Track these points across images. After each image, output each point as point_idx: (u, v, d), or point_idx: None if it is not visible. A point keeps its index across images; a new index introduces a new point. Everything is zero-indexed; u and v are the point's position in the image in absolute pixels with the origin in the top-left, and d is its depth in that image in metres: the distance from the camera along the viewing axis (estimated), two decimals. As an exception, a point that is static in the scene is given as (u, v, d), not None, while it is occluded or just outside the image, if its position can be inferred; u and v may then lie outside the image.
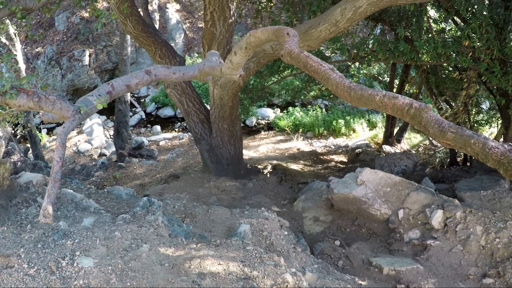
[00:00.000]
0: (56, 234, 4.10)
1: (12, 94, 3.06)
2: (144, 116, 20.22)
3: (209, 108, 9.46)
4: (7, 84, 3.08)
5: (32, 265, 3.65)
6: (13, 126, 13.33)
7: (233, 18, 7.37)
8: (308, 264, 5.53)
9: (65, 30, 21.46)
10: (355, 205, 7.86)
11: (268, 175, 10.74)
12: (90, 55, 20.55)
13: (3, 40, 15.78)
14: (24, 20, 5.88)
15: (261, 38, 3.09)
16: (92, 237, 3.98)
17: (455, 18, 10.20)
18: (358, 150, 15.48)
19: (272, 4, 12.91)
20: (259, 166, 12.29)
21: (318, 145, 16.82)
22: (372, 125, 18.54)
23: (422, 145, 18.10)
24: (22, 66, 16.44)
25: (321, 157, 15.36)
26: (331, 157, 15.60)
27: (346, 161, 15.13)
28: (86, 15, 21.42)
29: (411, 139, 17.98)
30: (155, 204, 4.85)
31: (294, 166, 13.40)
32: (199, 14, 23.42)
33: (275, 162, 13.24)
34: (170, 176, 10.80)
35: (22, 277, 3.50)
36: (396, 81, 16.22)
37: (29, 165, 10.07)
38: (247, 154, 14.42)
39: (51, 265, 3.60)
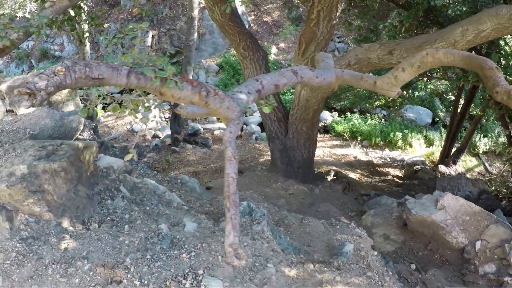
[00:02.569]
0: (163, 241, 3.79)
1: (178, 83, 2.55)
2: (200, 103, 20.08)
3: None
4: (170, 68, 2.52)
5: (145, 282, 3.26)
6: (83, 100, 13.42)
7: (336, 20, 7.15)
8: (398, 289, 5.32)
9: (130, 10, 21.57)
10: (431, 229, 7.63)
11: (333, 183, 10.52)
12: (153, 37, 20.61)
13: (71, 12, 15.91)
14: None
15: (442, 60, 2.85)
16: (209, 250, 3.69)
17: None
18: (416, 167, 15.10)
19: (349, 8, 12.63)
20: (320, 171, 12.09)
21: (374, 156, 16.48)
22: (429, 142, 18.07)
23: (477, 170, 17.59)
24: (87, 41, 16.61)
25: (378, 169, 15.04)
26: (387, 169, 15.26)
27: (402, 176, 14.79)
28: (153, -3, 21.49)
29: (466, 162, 17.46)
30: (257, 212, 4.64)
31: (352, 175, 13.14)
32: (265, 7, 23.21)
33: (334, 168, 13.01)
34: (233, 171, 10.65)
35: (136, 298, 3.02)
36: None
37: (97, 144, 10.04)
38: (303, 156, 14.21)
39: (171, 285, 3.23)
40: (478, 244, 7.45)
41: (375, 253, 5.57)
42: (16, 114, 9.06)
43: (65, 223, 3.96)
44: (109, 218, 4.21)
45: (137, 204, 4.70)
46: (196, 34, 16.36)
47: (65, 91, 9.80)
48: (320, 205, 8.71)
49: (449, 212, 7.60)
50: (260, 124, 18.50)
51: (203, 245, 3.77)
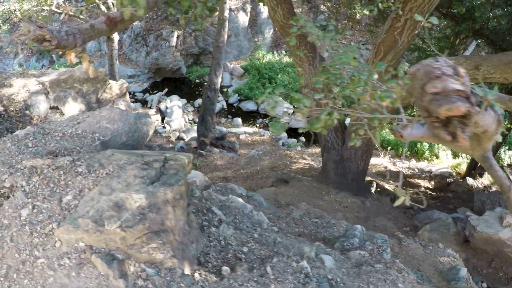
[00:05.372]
0: (321, 285, 3.22)
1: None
2: (225, 106, 20.00)
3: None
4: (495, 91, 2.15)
5: None
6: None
7: (418, 29, 6.94)
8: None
9: (155, 8, 21.34)
10: (496, 247, 7.50)
11: (379, 195, 10.32)
12: (178, 37, 20.38)
13: (102, 8, 15.74)
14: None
15: None
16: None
17: None
18: (449, 179, 14.93)
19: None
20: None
21: (402, 166, 16.30)
22: (455, 154, 17.92)
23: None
24: (115, 37, 16.39)
25: (409, 180, 14.84)
26: (417, 181, 15.07)
27: (432, 187, 14.61)
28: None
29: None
30: (377, 237, 4.38)
31: (387, 186, 12.93)
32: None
33: (369, 178, 12.82)
34: (277, 180, 10.43)
35: None
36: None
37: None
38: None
39: None
40: (543, 264, 7.37)
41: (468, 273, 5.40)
42: (62, 112, 8.67)
43: (187, 269, 3.09)
44: (230, 254, 3.53)
45: (239, 229, 4.19)
46: (226, 36, 16.10)
47: (115, 87, 9.32)
48: (375, 220, 8.52)
49: (515, 230, 7.48)
50: (287, 130, 18.29)
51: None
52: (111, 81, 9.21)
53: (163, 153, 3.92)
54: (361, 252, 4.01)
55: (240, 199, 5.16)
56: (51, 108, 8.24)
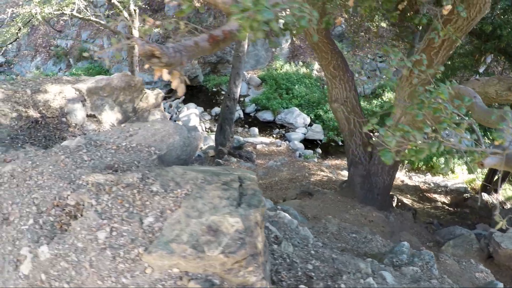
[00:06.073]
0: None
1: None
2: (242, 116, 20.16)
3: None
4: None
5: None
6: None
7: (454, 49, 7.07)
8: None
9: (173, 16, 21.60)
10: (520, 264, 7.63)
11: (402, 210, 10.42)
12: (196, 45, 20.50)
13: (125, 14, 15.95)
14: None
15: None
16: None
17: None
18: (466, 195, 15.00)
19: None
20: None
21: (418, 180, 16.38)
22: (470, 169, 17.96)
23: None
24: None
25: (425, 194, 14.92)
26: (434, 195, 15.14)
27: (448, 202, 14.67)
28: (197, 5, 21.41)
29: (505, 191, 17.35)
30: (424, 253, 4.49)
31: (405, 200, 13.02)
32: (308, 23, 23.16)
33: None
34: (301, 192, 10.54)
35: None
36: None
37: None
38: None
39: None
40: None
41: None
42: (99, 121, 8.68)
43: (270, 290, 3.04)
44: (299, 272, 3.50)
45: (294, 245, 4.19)
46: (246, 46, 16.14)
47: (151, 96, 9.34)
48: (400, 234, 8.62)
49: (539, 247, 7.61)
50: (304, 141, 18.43)
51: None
52: (147, 91, 9.13)
53: (231, 171, 3.75)
54: (413, 268, 4.08)
55: (287, 214, 5.21)
56: (88, 116, 8.24)
